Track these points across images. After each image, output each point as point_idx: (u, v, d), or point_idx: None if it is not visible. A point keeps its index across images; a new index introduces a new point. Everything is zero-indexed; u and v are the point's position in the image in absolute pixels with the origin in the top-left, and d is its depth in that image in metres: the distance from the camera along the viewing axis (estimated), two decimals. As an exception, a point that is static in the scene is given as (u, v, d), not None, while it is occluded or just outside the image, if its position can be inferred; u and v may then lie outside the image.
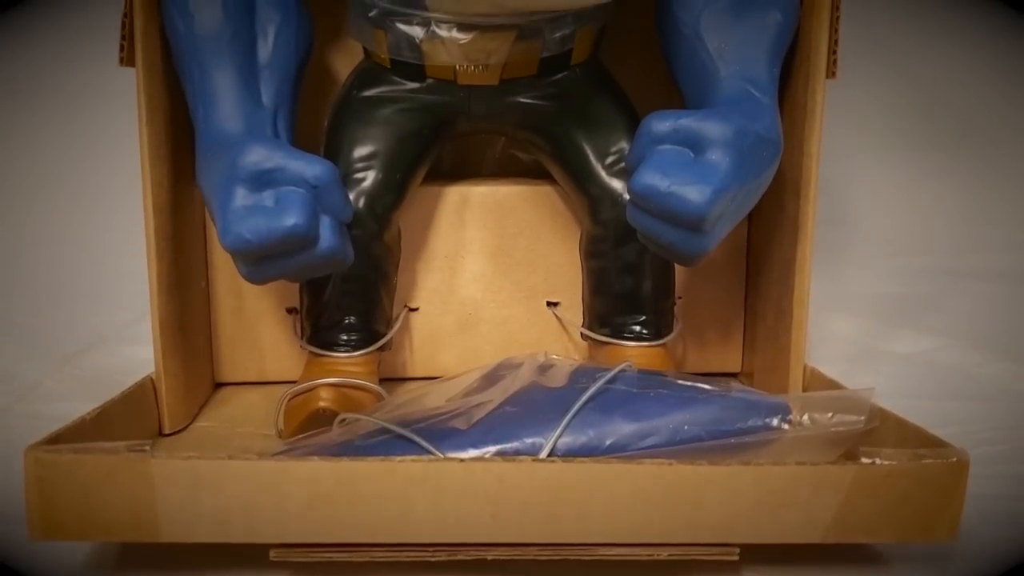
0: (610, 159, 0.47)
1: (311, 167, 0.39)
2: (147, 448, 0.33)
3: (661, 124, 0.39)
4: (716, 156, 0.38)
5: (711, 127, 0.38)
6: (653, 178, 0.38)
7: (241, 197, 0.38)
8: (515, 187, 0.53)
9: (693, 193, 0.37)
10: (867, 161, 0.91)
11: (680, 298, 0.52)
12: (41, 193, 0.79)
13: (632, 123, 0.48)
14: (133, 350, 0.59)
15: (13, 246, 0.76)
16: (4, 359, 0.60)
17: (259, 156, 0.39)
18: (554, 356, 0.43)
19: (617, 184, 0.47)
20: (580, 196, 0.48)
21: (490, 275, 0.53)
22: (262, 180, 0.39)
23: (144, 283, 0.45)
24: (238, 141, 0.40)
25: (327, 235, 0.39)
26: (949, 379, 0.59)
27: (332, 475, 0.32)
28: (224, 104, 0.42)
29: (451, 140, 0.51)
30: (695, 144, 0.39)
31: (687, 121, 0.39)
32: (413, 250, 0.52)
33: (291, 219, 0.38)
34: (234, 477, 0.32)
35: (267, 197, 0.39)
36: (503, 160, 0.57)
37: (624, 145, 0.47)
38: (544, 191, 0.53)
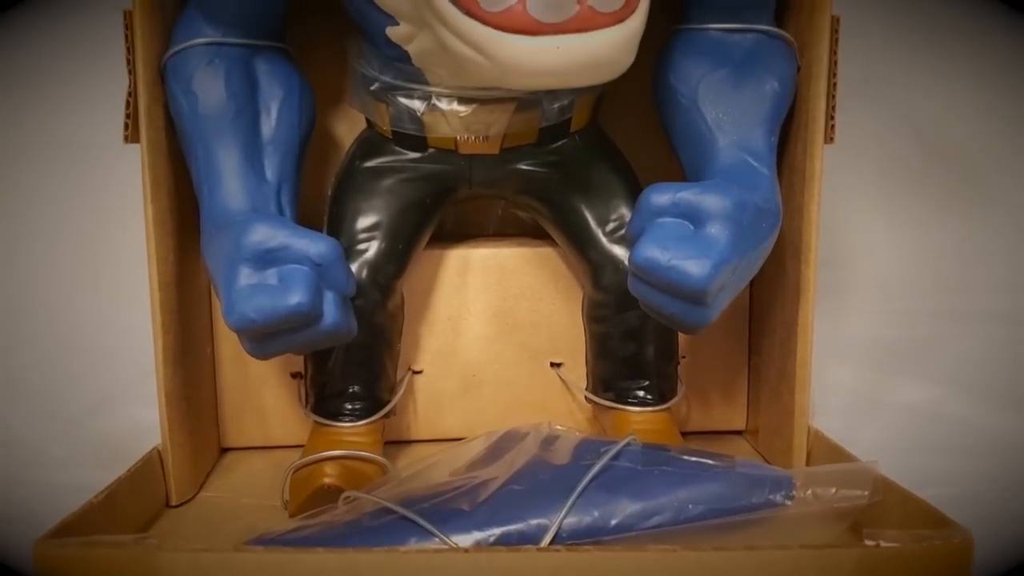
0: (610, 225, 0.48)
1: (315, 245, 0.39)
2: (153, 540, 0.33)
3: (661, 197, 0.39)
4: (716, 229, 0.38)
5: (710, 200, 0.39)
6: (654, 252, 0.38)
7: (245, 276, 0.39)
8: (517, 249, 0.53)
9: (693, 267, 0.37)
10: (865, 202, 0.91)
11: (684, 357, 0.52)
12: (45, 247, 0.79)
13: (632, 188, 0.49)
14: (139, 412, 0.60)
15: (18, 300, 0.76)
16: (10, 421, 0.60)
17: (263, 235, 0.39)
18: (558, 427, 0.43)
19: (618, 250, 0.47)
20: (581, 262, 0.49)
21: (493, 337, 0.53)
22: (266, 259, 0.39)
23: (148, 338, 0.46)
24: (242, 219, 0.41)
25: (331, 311, 0.40)
26: (953, 432, 0.59)
27: (338, 566, 0.32)
28: (228, 182, 0.43)
29: (453, 205, 0.51)
30: (695, 217, 0.39)
31: (686, 194, 0.39)
32: (416, 312, 0.53)
33: (295, 298, 0.38)
34: (241, 569, 0.32)
35: (271, 275, 0.39)
36: (505, 218, 0.58)
37: (624, 211, 0.48)
38: (545, 252, 0.53)
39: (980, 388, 0.66)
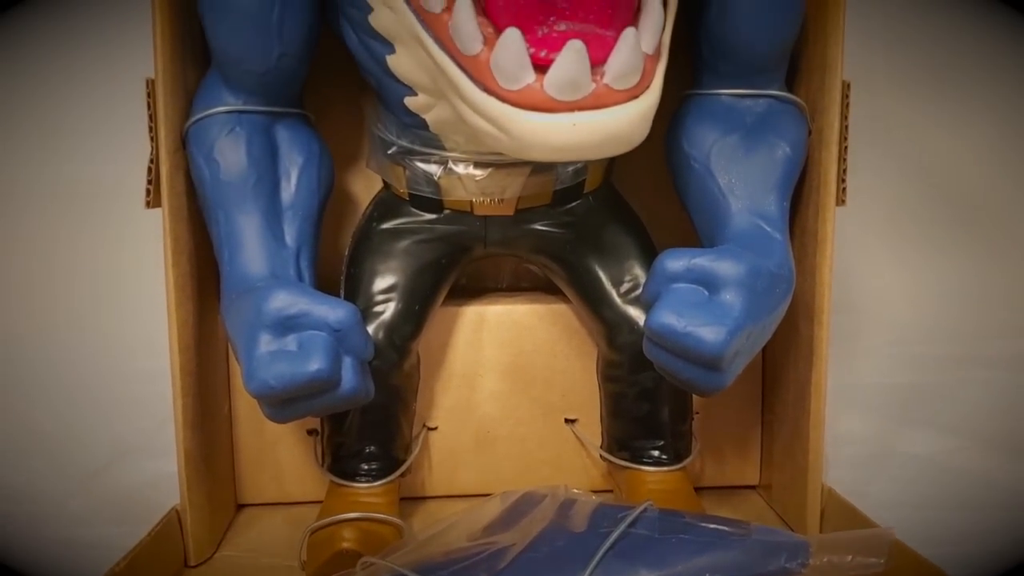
0: (624, 286, 0.48)
1: (334, 311, 0.40)
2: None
3: (676, 263, 0.40)
4: (730, 296, 0.39)
5: (725, 266, 0.39)
6: (669, 318, 0.38)
7: (265, 343, 0.39)
8: (531, 305, 0.54)
9: (709, 334, 0.38)
10: (874, 245, 0.91)
11: (698, 413, 0.52)
12: (63, 296, 0.80)
13: (645, 249, 0.49)
14: (155, 465, 0.60)
15: (36, 349, 0.77)
16: (28, 474, 0.61)
17: (283, 302, 0.40)
18: (575, 491, 0.44)
19: (632, 311, 0.48)
20: (595, 322, 0.49)
21: (507, 393, 0.54)
22: (286, 325, 0.40)
23: (164, 384, 0.46)
24: (263, 286, 0.41)
25: (348, 376, 0.40)
26: (966, 486, 0.59)
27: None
28: (248, 247, 0.43)
29: (468, 264, 0.51)
30: (709, 283, 0.39)
31: (701, 260, 0.40)
32: (431, 369, 0.53)
33: (314, 365, 0.38)
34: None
35: (291, 342, 0.39)
36: (518, 273, 0.58)
37: (638, 272, 0.48)
38: (560, 309, 0.53)
39: (993, 438, 0.66)
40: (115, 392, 0.74)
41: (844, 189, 0.47)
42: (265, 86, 0.44)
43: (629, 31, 0.35)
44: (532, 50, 0.35)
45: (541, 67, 0.35)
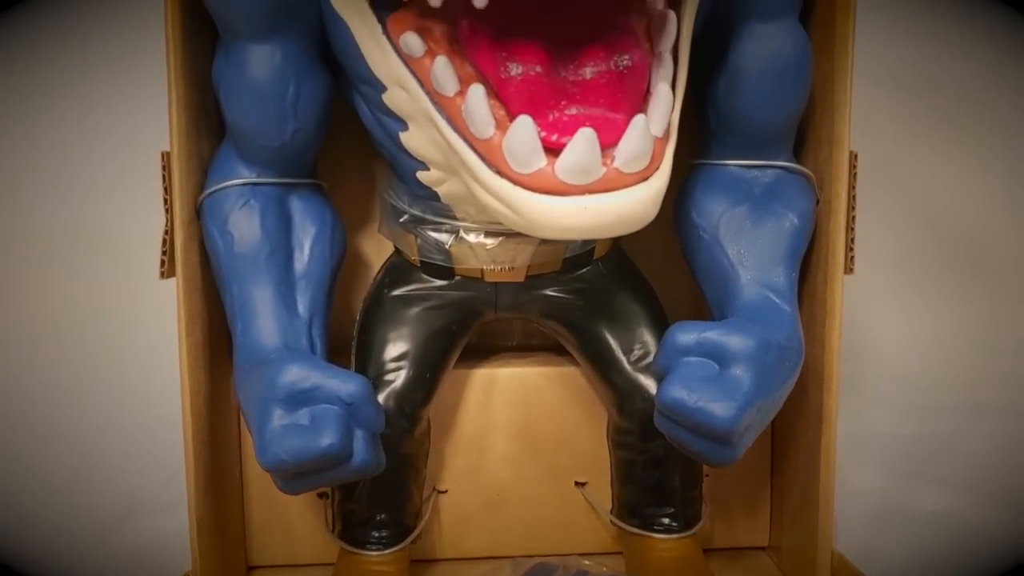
0: (635, 353, 0.48)
1: (346, 385, 0.40)
2: None
3: (686, 336, 0.40)
4: (740, 371, 0.39)
5: (734, 341, 0.40)
6: (680, 393, 0.39)
7: (278, 417, 0.40)
8: (541, 368, 0.54)
9: (719, 409, 0.38)
10: (884, 294, 0.91)
11: (707, 475, 0.53)
12: (70, 340, 0.80)
13: (655, 315, 0.50)
14: (167, 521, 0.60)
15: (48, 403, 0.77)
16: (43, 531, 0.61)
17: (296, 376, 0.40)
18: (586, 562, 0.44)
19: (642, 379, 0.48)
20: (606, 388, 0.50)
21: (518, 455, 0.54)
22: (299, 399, 0.40)
23: (175, 433, 0.46)
24: (275, 358, 0.41)
25: (360, 449, 0.40)
26: (977, 546, 0.59)
27: None
28: (261, 318, 0.44)
29: (478, 327, 0.52)
30: (719, 357, 0.40)
31: (711, 335, 0.40)
32: (441, 431, 0.53)
33: (327, 440, 0.39)
34: None
35: (303, 416, 0.40)
36: (527, 331, 0.58)
37: (648, 339, 0.49)
38: (570, 372, 0.54)
39: (1005, 493, 0.66)
40: (123, 442, 0.74)
41: (852, 258, 0.47)
42: (279, 159, 0.45)
43: (639, 118, 0.35)
44: (544, 133, 0.36)
45: (553, 150, 0.36)
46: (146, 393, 0.74)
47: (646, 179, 0.37)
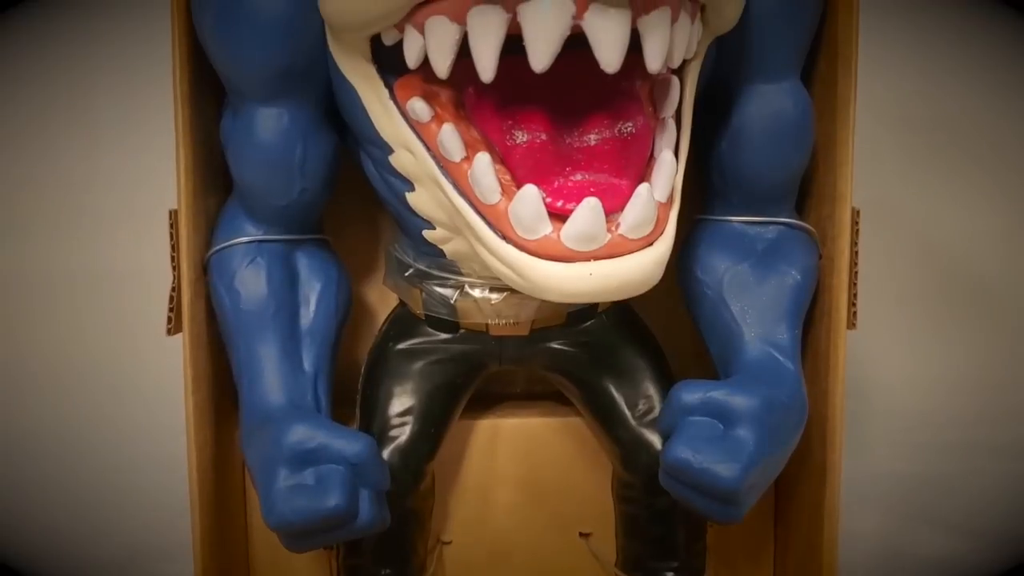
0: (640, 408, 0.49)
1: (351, 445, 0.40)
2: None
3: (691, 396, 0.41)
4: (744, 431, 0.40)
5: (738, 401, 0.40)
6: (685, 453, 0.39)
7: (284, 477, 0.40)
8: (545, 418, 0.54)
9: (724, 470, 0.39)
10: (887, 331, 0.91)
11: (711, 526, 0.52)
12: (77, 385, 0.80)
13: (660, 369, 0.50)
14: (172, 567, 0.60)
15: (54, 444, 0.77)
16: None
17: (301, 436, 0.40)
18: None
19: (647, 434, 0.48)
20: (610, 442, 0.50)
21: (522, 506, 0.54)
22: (304, 459, 0.40)
23: (179, 473, 0.47)
24: (281, 418, 0.42)
25: (366, 508, 0.41)
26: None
27: None
28: (267, 376, 0.44)
29: (482, 379, 0.52)
30: (724, 417, 0.40)
31: (716, 395, 0.40)
32: (445, 482, 0.53)
33: (332, 500, 0.39)
34: None
35: (309, 476, 0.40)
36: (532, 378, 0.59)
37: (652, 393, 0.49)
38: (574, 422, 0.54)
39: (1008, 537, 0.66)
40: (130, 486, 0.74)
41: (855, 313, 0.47)
42: (286, 217, 0.45)
43: (643, 187, 0.36)
44: (549, 199, 0.37)
45: (558, 216, 0.36)
46: (153, 436, 0.74)
47: (650, 244, 0.37)
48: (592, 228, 0.35)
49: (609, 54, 0.33)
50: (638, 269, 0.36)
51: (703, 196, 0.49)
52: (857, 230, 0.47)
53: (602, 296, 0.37)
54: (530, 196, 0.35)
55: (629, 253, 0.36)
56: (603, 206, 0.35)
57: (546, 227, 0.36)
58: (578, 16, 0.32)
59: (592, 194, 0.36)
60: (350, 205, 0.54)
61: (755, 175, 0.45)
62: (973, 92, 0.91)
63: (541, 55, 0.33)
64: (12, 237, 0.65)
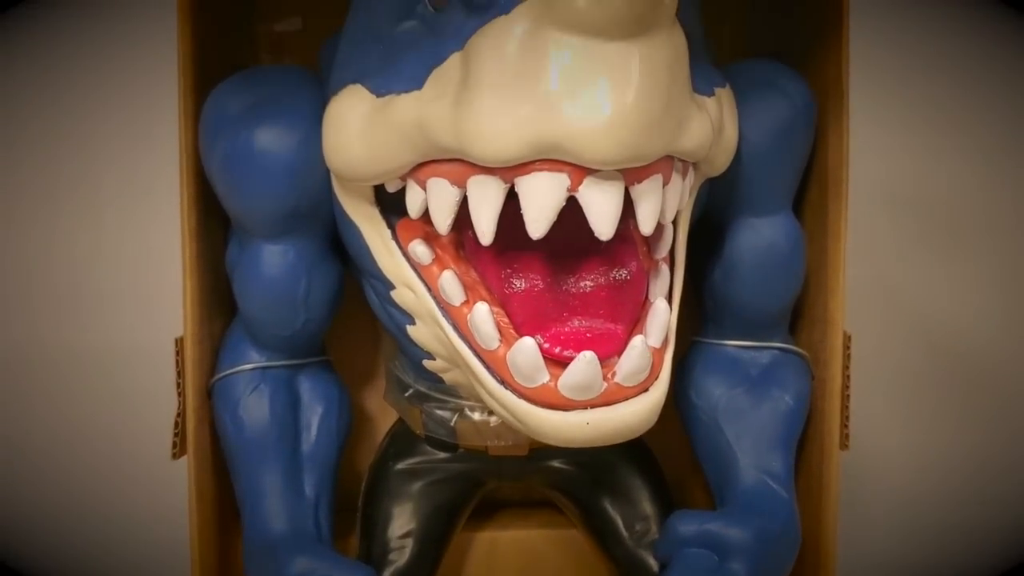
0: (637, 529, 0.49)
1: None
2: None
3: (687, 528, 0.42)
4: (738, 565, 0.41)
5: (733, 534, 0.42)
6: None
7: (286, 609, 0.41)
8: (543, 530, 0.55)
9: (718, 606, 0.39)
10: (881, 410, 0.91)
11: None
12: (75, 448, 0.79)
13: (658, 488, 0.50)
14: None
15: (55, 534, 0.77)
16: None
17: (303, 567, 0.42)
18: None
19: (644, 555, 0.48)
20: (607, 561, 0.50)
21: (520, 617, 0.54)
22: None
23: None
24: (284, 547, 0.43)
25: None
26: None
27: None
28: (269, 502, 0.45)
29: (481, 496, 0.53)
30: (719, 549, 0.41)
31: (711, 527, 0.42)
32: (445, 594, 0.54)
33: None
34: None
35: None
36: (530, 484, 0.59)
37: (650, 514, 0.49)
38: (572, 535, 0.54)
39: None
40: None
41: (847, 435, 0.48)
42: (290, 344, 0.46)
43: (638, 340, 0.37)
44: (547, 345, 0.37)
45: (555, 361, 0.37)
46: (155, 551, 0.73)
47: (646, 390, 0.38)
48: (588, 380, 0.36)
49: (603, 224, 0.34)
50: (633, 416, 0.37)
51: (699, 317, 0.50)
52: (848, 354, 0.48)
53: (599, 442, 0.37)
54: (528, 348, 0.36)
55: (625, 400, 0.37)
56: (599, 352, 0.36)
57: (544, 376, 0.37)
58: (573, 188, 0.33)
59: (588, 340, 0.37)
60: (353, 315, 0.55)
61: (748, 304, 0.46)
62: (969, 171, 0.92)
63: (538, 226, 0.34)
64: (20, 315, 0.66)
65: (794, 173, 0.46)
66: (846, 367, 0.48)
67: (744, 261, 0.46)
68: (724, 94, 0.41)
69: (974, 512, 0.86)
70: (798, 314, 0.50)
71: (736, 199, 0.45)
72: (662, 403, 0.39)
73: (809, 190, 0.49)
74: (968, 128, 0.92)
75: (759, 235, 0.45)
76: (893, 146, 0.89)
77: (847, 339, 0.48)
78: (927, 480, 0.89)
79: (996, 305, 0.93)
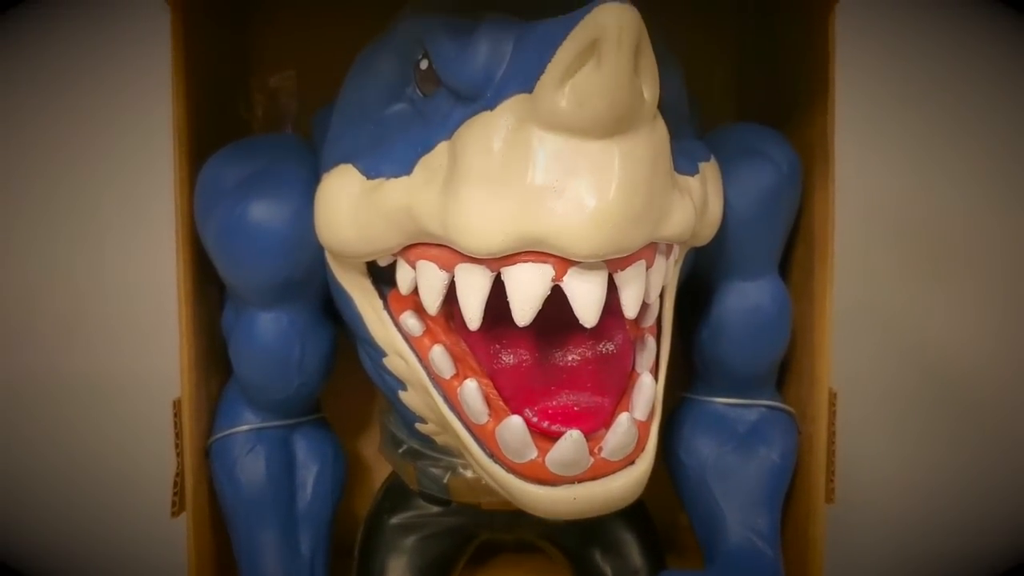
0: (626, 581, 0.50)
1: None
2: None
3: None
4: (723, 625, 0.41)
5: None
6: None
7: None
8: (536, 576, 0.56)
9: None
10: (873, 435, 0.92)
11: None
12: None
13: (649, 540, 0.51)
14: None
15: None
16: None
17: None
18: None
19: (633, 607, 0.50)
20: (597, 612, 0.51)
21: (514, 666, 0.55)
22: None
23: None
24: None
25: None
26: None
27: None
28: (266, 560, 0.46)
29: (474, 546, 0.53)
30: None
31: None
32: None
33: None
34: None
35: None
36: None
37: (640, 567, 0.50)
38: (564, 581, 0.55)
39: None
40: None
41: (833, 489, 0.49)
42: (284, 406, 0.47)
43: (623, 417, 0.37)
44: (535, 419, 0.38)
45: (543, 435, 0.38)
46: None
47: (632, 463, 0.39)
48: (575, 457, 0.37)
49: (587, 313, 0.35)
50: (619, 489, 0.38)
51: (687, 373, 0.51)
52: (834, 411, 0.49)
53: (586, 515, 0.38)
54: (516, 427, 0.37)
55: (612, 473, 0.38)
56: (586, 427, 0.37)
57: (532, 452, 0.38)
58: (557, 278, 0.34)
59: (576, 415, 0.38)
60: (350, 365, 0.55)
61: (735, 364, 0.47)
62: (959, 195, 0.92)
63: (523, 315, 0.35)
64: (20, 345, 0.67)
65: (780, 238, 0.47)
66: (832, 424, 0.49)
67: (731, 323, 0.46)
68: (708, 169, 0.42)
69: (970, 541, 0.86)
70: (785, 368, 0.51)
71: (722, 263, 0.46)
72: (648, 475, 0.39)
73: (796, 248, 0.50)
74: (958, 152, 0.92)
75: (746, 298, 0.46)
76: (883, 170, 0.90)
77: (832, 396, 0.48)
78: (918, 504, 0.90)
79: (991, 329, 0.93)
